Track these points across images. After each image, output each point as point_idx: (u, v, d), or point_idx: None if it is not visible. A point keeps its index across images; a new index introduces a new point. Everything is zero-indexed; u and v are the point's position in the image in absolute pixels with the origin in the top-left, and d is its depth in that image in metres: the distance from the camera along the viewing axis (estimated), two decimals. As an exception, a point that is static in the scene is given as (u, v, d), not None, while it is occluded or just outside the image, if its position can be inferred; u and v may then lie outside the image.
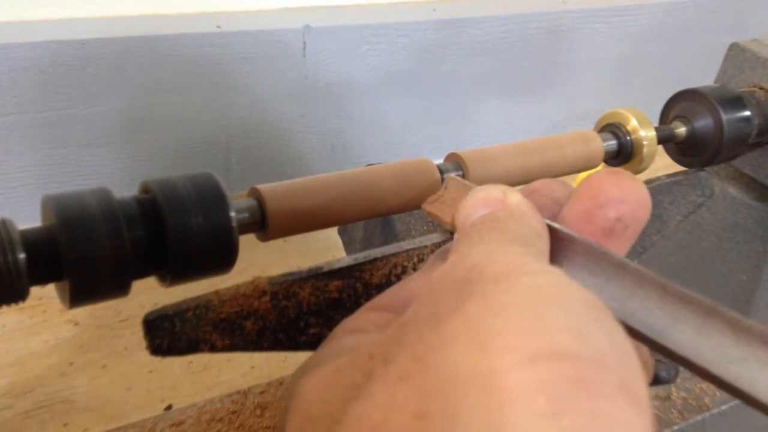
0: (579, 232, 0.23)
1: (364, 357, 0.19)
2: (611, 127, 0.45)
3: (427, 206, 0.29)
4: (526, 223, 0.22)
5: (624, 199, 0.23)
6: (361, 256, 0.32)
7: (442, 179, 0.37)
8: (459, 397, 0.16)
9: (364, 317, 0.25)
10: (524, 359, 0.16)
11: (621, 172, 0.24)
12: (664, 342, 0.20)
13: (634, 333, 0.20)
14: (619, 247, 0.24)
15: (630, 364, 0.17)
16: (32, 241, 0.25)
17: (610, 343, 0.17)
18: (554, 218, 0.24)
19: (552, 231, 0.23)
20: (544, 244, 0.22)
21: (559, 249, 0.23)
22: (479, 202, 0.23)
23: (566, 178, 0.34)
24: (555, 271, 0.19)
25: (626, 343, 0.17)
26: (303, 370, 0.22)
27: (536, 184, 0.27)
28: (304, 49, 0.94)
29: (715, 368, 0.19)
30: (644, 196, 0.23)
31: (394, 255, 0.33)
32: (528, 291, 0.18)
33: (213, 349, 0.29)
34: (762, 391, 0.18)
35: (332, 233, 0.54)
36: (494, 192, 0.23)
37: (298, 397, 0.20)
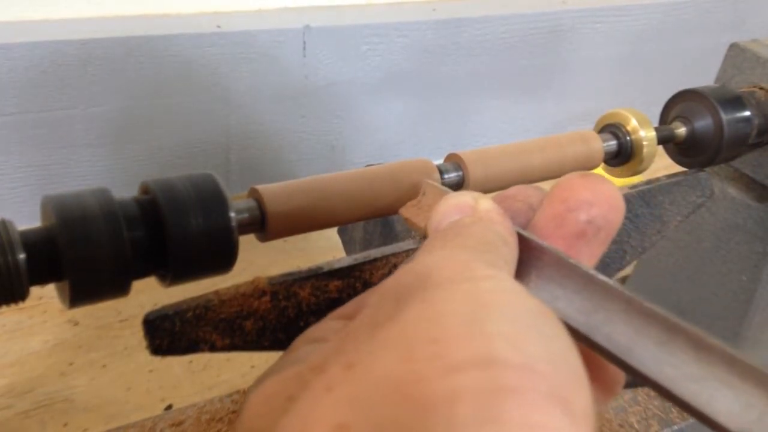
0: (551, 237, 0.23)
1: (307, 368, 0.19)
2: (611, 128, 0.45)
3: (403, 211, 0.29)
4: (492, 229, 0.22)
5: (595, 201, 0.23)
6: (360, 256, 0.32)
7: (442, 180, 0.37)
8: (382, 407, 0.15)
9: (326, 326, 0.24)
10: (451, 366, 0.15)
11: (592, 175, 0.23)
12: (626, 358, 0.20)
13: (597, 348, 0.20)
14: (593, 252, 0.23)
15: (567, 373, 0.16)
16: (32, 242, 0.25)
17: (548, 351, 0.16)
18: (528, 224, 0.24)
19: (523, 240, 0.23)
20: (509, 251, 0.22)
21: (529, 258, 0.23)
22: (451, 209, 0.23)
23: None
24: (502, 277, 0.19)
25: (566, 351, 0.17)
26: (257, 381, 0.22)
27: (511, 190, 0.27)
28: (304, 49, 0.94)
29: (675, 387, 0.19)
30: (616, 199, 0.23)
31: (393, 255, 0.33)
32: (468, 297, 0.17)
33: (213, 349, 0.29)
34: (718, 411, 0.18)
35: (332, 233, 0.54)
36: (466, 198, 0.23)
37: (244, 410, 0.20)
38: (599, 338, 0.20)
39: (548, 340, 0.17)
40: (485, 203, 0.23)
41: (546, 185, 0.44)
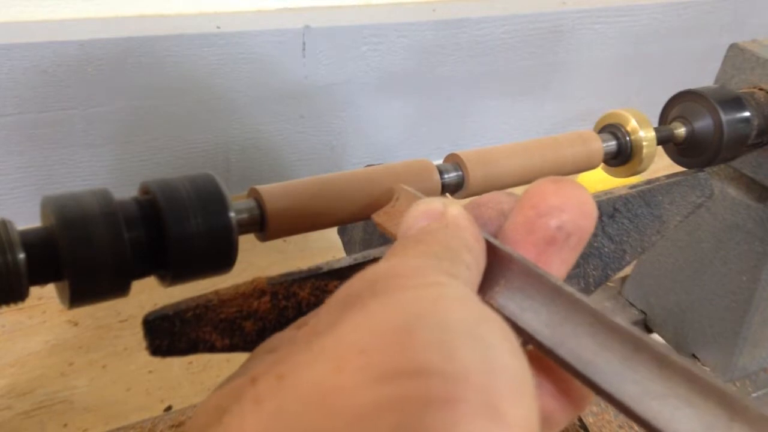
0: (521, 244, 0.23)
1: (247, 379, 0.18)
2: (611, 128, 0.45)
3: (376, 217, 0.29)
4: (458, 236, 0.22)
5: (565, 207, 0.22)
6: (360, 256, 0.32)
7: (442, 180, 0.37)
8: (307, 419, 0.15)
9: (284, 335, 0.24)
10: (379, 377, 0.15)
11: (563, 180, 0.23)
12: (589, 374, 0.19)
13: (561, 363, 0.20)
14: (564, 258, 0.23)
15: (505, 383, 0.16)
16: (32, 242, 0.25)
17: (485, 360, 0.16)
18: (499, 231, 0.24)
19: (492, 248, 0.22)
20: (472, 257, 0.21)
21: (498, 267, 0.22)
22: (420, 214, 0.23)
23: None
24: (452, 284, 0.18)
25: (508, 361, 0.16)
26: (212, 392, 0.21)
27: (484, 197, 0.26)
28: (303, 49, 0.94)
29: (637, 405, 0.18)
30: (587, 204, 0.23)
31: (393, 255, 0.33)
32: (407, 305, 0.17)
33: (213, 349, 0.29)
34: (679, 431, 0.18)
35: (332, 233, 0.54)
36: (435, 204, 0.23)
37: (190, 421, 0.20)
38: (563, 352, 0.20)
39: (487, 349, 0.16)
40: (454, 209, 0.23)
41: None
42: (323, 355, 0.16)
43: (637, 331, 0.19)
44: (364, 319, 0.17)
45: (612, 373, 0.19)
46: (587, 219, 0.22)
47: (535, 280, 0.21)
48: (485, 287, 0.22)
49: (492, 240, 0.23)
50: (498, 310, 0.22)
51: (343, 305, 0.18)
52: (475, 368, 0.16)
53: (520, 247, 0.23)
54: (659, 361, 0.18)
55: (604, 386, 0.19)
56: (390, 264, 0.20)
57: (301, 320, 0.25)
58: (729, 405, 0.17)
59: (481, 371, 0.16)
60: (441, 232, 0.22)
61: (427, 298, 0.17)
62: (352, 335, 0.16)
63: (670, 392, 0.18)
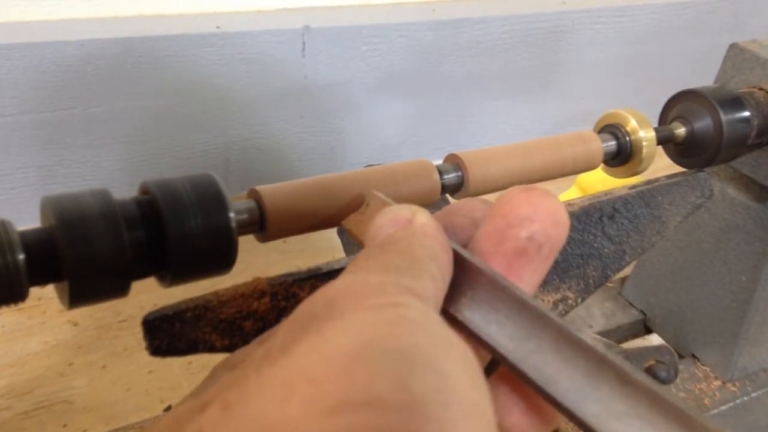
0: (491, 254, 0.22)
1: (199, 403, 0.17)
2: (611, 128, 0.45)
3: (346, 224, 0.29)
4: (423, 244, 0.21)
5: (535, 216, 0.22)
6: (360, 257, 0.32)
7: (442, 180, 0.37)
8: None
9: (248, 350, 0.23)
10: (326, 409, 0.14)
11: (533, 189, 0.22)
12: (551, 391, 0.19)
13: (525, 378, 0.20)
14: (536, 269, 0.22)
15: (462, 411, 0.15)
16: (32, 242, 0.25)
17: (440, 391, 0.15)
18: (471, 240, 0.23)
19: (460, 259, 0.22)
20: (437, 268, 0.21)
21: (465, 278, 0.22)
22: (387, 222, 0.22)
23: (566, 179, 0.34)
24: (411, 304, 0.18)
25: (466, 387, 0.16)
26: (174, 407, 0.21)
27: (456, 205, 0.26)
28: (303, 49, 0.94)
29: (599, 424, 0.18)
30: (558, 213, 0.22)
31: (393, 256, 0.33)
32: (363, 329, 0.16)
33: (212, 349, 0.29)
34: None
35: (332, 234, 0.54)
36: (403, 212, 0.23)
37: None
38: (527, 367, 0.20)
39: (444, 378, 0.16)
40: (422, 217, 0.22)
41: (545, 185, 0.44)
42: (270, 383, 0.16)
43: (601, 348, 0.19)
44: (316, 343, 0.16)
45: (574, 391, 0.19)
46: (558, 228, 0.22)
47: (502, 293, 0.21)
48: (452, 298, 0.22)
49: (460, 250, 0.22)
50: (463, 323, 0.21)
51: (299, 326, 0.17)
52: (430, 398, 0.15)
53: (491, 258, 0.22)
54: (622, 379, 0.18)
55: (566, 404, 0.19)
56: (349, 280, 0.19)
57: (265, 334, 0.25)
58: (690, 426, 0.17)
59: (436, 402, 0.15)
60: (406, 241, 0.21)
61: (383, 321, 0.17)
62: (302, 361, 0.16)
63: (632, 412, 0.18)
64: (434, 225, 0.22)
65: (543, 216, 0.22)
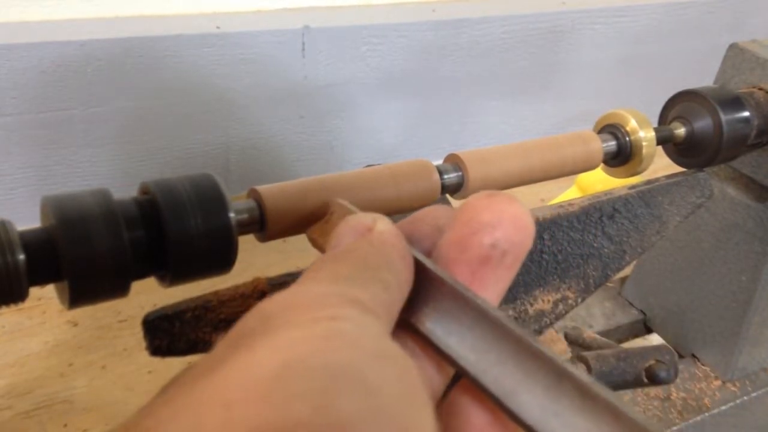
0: (455, 262, 0.21)
1: (132, 423, 0.17)
2: (610, 128, 0.45)
3: (310, 233, 0.28)
4: (381, 253, 0.21)
5: (498, 223, 0.21)
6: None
7: (442, 180, 0.37)
8: None
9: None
10: None
11: (497, 195, 0.22)
12: (512, 405, 0.19)
13: (485, 392, 0.19)
14: (500, 277, 0.22)
15: (391, 428, 0.15)
16: (31, 242, 0.25)
17: (368, 410, 0.14)
18: (435, 248, 0.23)
19: (422, 269, 0.21)
20: (393, 276, 0.20)
21: (427, 288, 0.21)
22: (347, 231, 0.22)
23: (566, 179, 0.34)
24: (351, 316, 0.17)
25: (396, 409, 0.15)
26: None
27: (421, 212, 0.25)
28: (303, 49, 0.94)
29: None
30: (521, 219, 0.21)
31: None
32: (292, 346, 0.16)
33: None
34: None
35: (332, 234, 0.54)
36: (364, 220, 0.22)
37: None
38: (487, 380, 0.19)
39: (372, 396, 0.15)
40: (382, 225, 0.22)
41: (544, 185, 0.44)
42: (186, 410, 0.15)
43: (561, 360, 0.18)
44: (242, 363, 0.15)
45: (535, 405, 0.18)
46: (522, 235, 0.21)
47: (463, 303, 0.20)
48: (414, 309, 0.21)
49: (422, 259, 0.21)
50: (425, 335, 0.21)
51: (231, 343, 0.17)
52: (356, 419, 0.14)
53: (454, 266, 0.21)
54: (583, 393, 0.18)
55: (526, 417, 0.18)
56: (292, 292, 0.18)
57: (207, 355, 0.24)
58: None
59: (363, 422, 0.14)
60: (362, 250, 0.21)
61: (314, 336, 0.16)
62: (222, 384, 0.15)
63: (592, 428, 0.17)
64: (394, 233, 0.22)
65: (506, 222, 0.21)
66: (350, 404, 0.14)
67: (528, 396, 0.18)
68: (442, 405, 0.21)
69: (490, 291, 0.21)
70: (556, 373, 0.18)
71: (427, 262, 0.21)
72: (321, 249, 0.27)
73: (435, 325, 0.21)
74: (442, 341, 0.20)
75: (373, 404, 0.15)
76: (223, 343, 0.17)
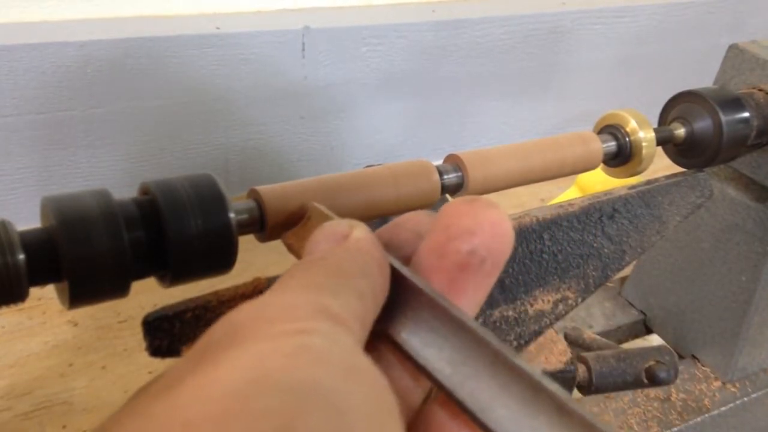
0: (433, 269, 0.21)
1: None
2: (610, 129, 0.45)
3: (285, 239, 0.28)
4: (356, 260, 0.20)
5: (476, 229, 0.20)
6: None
7: (442, 181, 0.37)
8: None
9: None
10: None
11: (476, 201, 0.21)
12: (486, 419, 0.18)
13: (460, 406, 0.19)
14: (479, 284, 0.21)
15: None
16: (31, 242, 0.25)
17: (335, 430, 0.14)
18: (414, 255, 0.22)
19: (399, 277, 0.21)
20: (369, 285, 0.20)
21: (405, 297, 0.21)
22: (323, 237, 0.22)
23: (566, 179, 0.34)
24: (318, 330, 0.16)
25: (367, 426, 0.15)
26: None
27: (402, 218, 0.24)
28: (303, 50, 0.94)
29: None
30: (500, 226, 0.21)
31: (393, 256, 0.33)
32: (258, 362, 0.15)
33: (212, 350, 0.29)
34: None
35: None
36: (340, 226, 0.22)
37: None
38: (462, 394, 0.19)
39: (339, 416, 0.14)
40: (358, 231, 0.21)
41: (544, 185, 0.44)
42: (147, 428, 0.14)
43: (538, 375, 0.18)
44: (205, 379, 0.15)
45: (510, 419, 0.18)
46: (501, 241, 0.21)
47: (440, 314, 0.20)
48: (391, 318, 0.21)
49: (399, 267, 0.21)
50: (400, 345, 0.20)
51: (198, 356, 0.16)
52: None
53: (433, 273, 0.21)
54: (559, 408, 0.17)
55: None
56: (262, 302, 0.18)
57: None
58: None
59: None
60: (337, 257, 0.20)
61: (281, 351, 0.15)
62: (183, 401, 0.14)
63: None
64: (371, 240, 0.21)
65: (485, 229, 0.20)
66: (317, 425, 0.14)
67: (503, 411, 0.18)
68: (419, 417, 0.21)
69: (469, 298, 0.21)
70: (532, 388, 0.18)
71: (405, 270, 0.21)
72: (297, 255, 0.26)
73: (411, 336, 0.20)
74: (417, 352, 0.20)
75: (340, 424, 0.14)
76: (189, 355, 0.17)
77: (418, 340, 0.20)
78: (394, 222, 0.24)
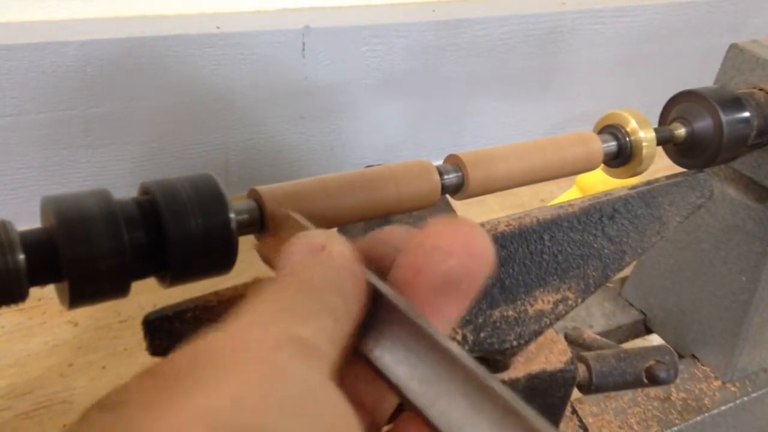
0: (409, 287, 0.21)
1: None
2: (611, 129, 0.45)
3: (259, 249, 0.28)
4: (330, 274, 0.20)
5: (453, 249, 0.20)
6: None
7: (442, 181, 0.37)
8: None
9: (130, 385, 0.21)
10: None
11: (456, 220, 0.21)
12: None
13: (431, 427, 0.19)
14: (455, 304, 0.21)
15: None
16: (31, 242, 0.25)
17: None
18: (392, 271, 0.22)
19: (375, 293, 0.20)
20: (343, 300, 0.19)
21: (381, 314, 0.20)
22: (297, 249, 0.21)
23: (566, 179, 0.34)
24: (282, 363, 0.16)
25: None
26: None
27: (381, 232, 0.24)
28: (303, 50, 0.94)
29: None
30: (477, 245, 0.20)
31: (393, 256, 0.33)
32: (212, 402, 0.15)
33: (212, 350, 0.29)
34: None
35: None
36: (316, 238, 0.21)
37: None
38: (433, 414, 0.18)
39: None
40: (335, 244, 0.21)
41: (544, 186, 0.44)
42: None
43: (510, 396, 0.18)
44: (156, 422, 0.14)
45: None
46: (478, 262, 0.20)
47: (415, 332, 0.19)
48: (366, 335, 0.20)
49: (376, 282, 0.21)
50: (372, 362, 0.20)
51: (153, 389, 0.16)
52: None
53: (409, 291, 0.20)
54: (528, 429, 0.17)
55: None
56: (225, 333, 0.17)
57: (151, 367, 0.22)
58: None
59: None
60: (310, 271, 0.20)
61: (239, 391, 0.15)
62: None
63: None
64: (347, 253, 0.21)
65: (461, 249, 0.20)
66: None
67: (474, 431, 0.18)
68: None
69: (446, 316, 0.21)
70: (504, 410, 0.17)
71: (381, 285, 0.20)
72: (271, 265, 0.26)
73: (383, 353, 0.20)
74: (389, 369, 0.20)
75: None
76: (143, 385, 0.16)
77: (391, 357, 0.20)
78: (371, 236, 0.24)
